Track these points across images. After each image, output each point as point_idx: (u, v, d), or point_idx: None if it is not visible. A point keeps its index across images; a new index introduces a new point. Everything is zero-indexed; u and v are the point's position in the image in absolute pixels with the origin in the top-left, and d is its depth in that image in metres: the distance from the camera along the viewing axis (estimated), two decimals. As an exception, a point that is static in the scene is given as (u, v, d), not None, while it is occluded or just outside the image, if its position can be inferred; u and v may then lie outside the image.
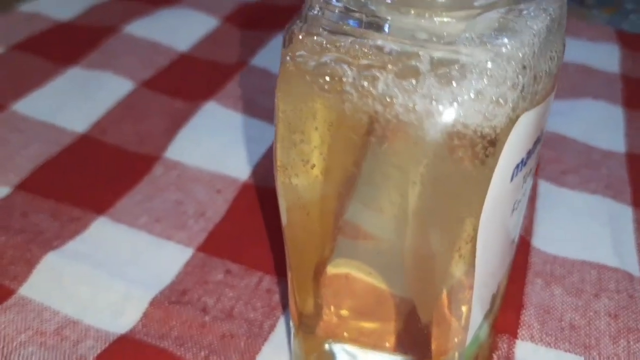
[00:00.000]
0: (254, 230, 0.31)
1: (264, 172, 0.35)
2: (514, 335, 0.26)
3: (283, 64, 0.17)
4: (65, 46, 0.45)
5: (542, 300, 0.28)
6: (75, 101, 0.39)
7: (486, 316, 0.22)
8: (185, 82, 0.42)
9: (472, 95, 0.14)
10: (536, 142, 0.18)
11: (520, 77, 0.15)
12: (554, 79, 0.17)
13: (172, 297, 0.27)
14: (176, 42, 0.46)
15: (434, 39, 0.15)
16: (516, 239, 0.22)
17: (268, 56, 0.45)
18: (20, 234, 0.29)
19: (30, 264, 0.28)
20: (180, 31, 0.48)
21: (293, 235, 0.19)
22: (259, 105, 0.40)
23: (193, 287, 0.28)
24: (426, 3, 0.15)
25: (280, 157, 0.18)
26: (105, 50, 0.44)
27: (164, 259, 0.29)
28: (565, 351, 0.25)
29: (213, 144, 0.36)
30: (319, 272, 0.20)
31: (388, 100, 0.15)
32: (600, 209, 0.33)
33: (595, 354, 0.25)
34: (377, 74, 0.15)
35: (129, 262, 0.29)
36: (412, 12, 0.15)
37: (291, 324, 0.23)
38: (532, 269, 0.29)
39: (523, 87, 0.15)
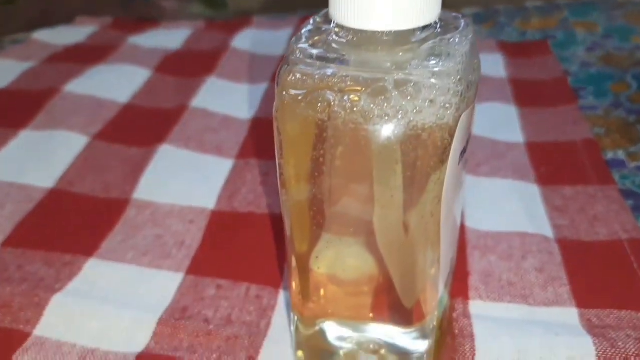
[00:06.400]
0: (230, 249, 0.35)
1: (227, 198, 0.39)
2: (466, 297, 0.32)
3: (280, 98, 0.22)
4: (10, 112, 0.47)
5: (482, 267, 0.33)
6: (36, 161, 0.42)
7: (446, 286, 0.27)
8: (135, 130, 0.46)
9: (426, 104, 0.20)
10: (469, 139, 0.24)
11: (458, 86, 0.20)
12: (477, 86, 0.23)
13: (176, 315, 0.31)
14: (116, 95, 0.50)
15: (393, 67, 0.20)
16: (458, 223, 0.27)
17: (203, 98, 0.50)
18: (23, 283, 0.32)
19: (40, 307, 0.31)
20: (117, 85, 0.51)
21: (295, 227, 0.24)
22: (209, 143, 0.44)
23: (192, 304, 0.32)
24: (378, 42, 0.21)
25: (286, 169, 0.22)
26: (51, 110, 0.47)
27: (159, 286, 0.33)
28: (508, 302, 0.31)
29: (176, 181, 0.40)
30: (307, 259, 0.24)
31: (368, 113, 0.20)
32: (512, 190, 0.40)
33: (531, 301, 0.31)
34: (357, 96, 0.20)
35: (128, 294, 0.32)
36: (371, 49, 0.21)
37: (292, 313, 0.27)
38: (469, 244, 0.35)
39: (461, 93, 0.21)
